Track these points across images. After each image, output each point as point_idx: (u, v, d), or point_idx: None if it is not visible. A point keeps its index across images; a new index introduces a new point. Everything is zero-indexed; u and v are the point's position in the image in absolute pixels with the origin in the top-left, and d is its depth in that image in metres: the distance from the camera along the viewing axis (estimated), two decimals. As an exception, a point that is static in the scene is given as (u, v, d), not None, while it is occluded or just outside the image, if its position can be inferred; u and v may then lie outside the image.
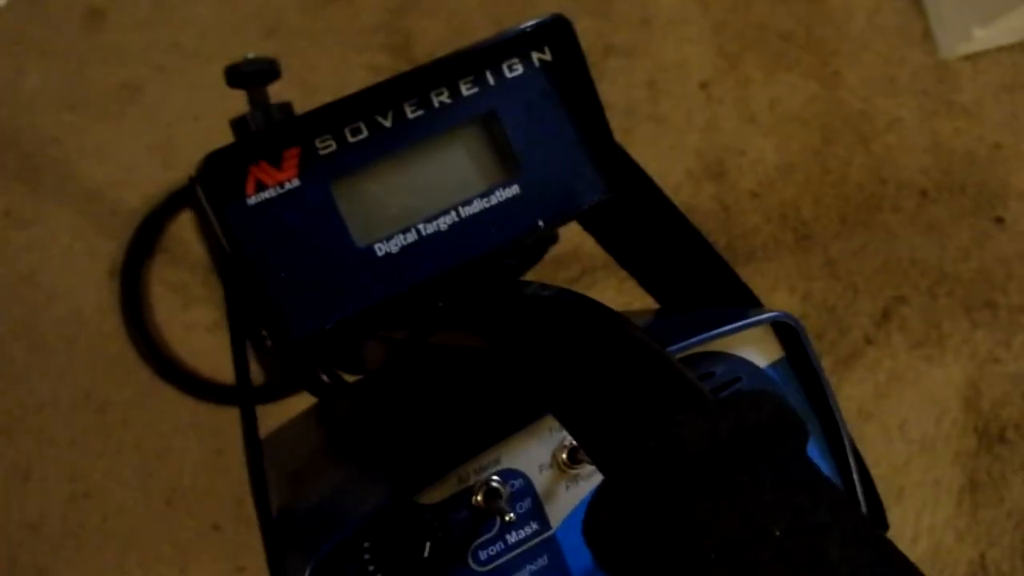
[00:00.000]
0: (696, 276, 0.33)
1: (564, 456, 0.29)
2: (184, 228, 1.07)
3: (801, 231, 1.15)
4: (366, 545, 0.27)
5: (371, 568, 0.27)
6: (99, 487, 0.97)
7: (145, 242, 1.05)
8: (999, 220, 1.16)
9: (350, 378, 0.45)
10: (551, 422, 0.29)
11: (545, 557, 0.29)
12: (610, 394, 0.22)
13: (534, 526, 0.29)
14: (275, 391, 1.02)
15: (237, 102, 1.06)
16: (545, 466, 0.30)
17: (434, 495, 0.28)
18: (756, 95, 1.16)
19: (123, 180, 1.06)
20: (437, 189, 0.30)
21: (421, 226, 0.29)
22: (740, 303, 0.33)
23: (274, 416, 1.07)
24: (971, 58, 1.16)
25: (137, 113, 1.06)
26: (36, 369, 0.99)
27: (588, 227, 0.35)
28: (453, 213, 0.29)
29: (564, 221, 0.31)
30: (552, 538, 0.30)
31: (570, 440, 0.29)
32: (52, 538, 0.95)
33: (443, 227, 0.29)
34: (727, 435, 0.19)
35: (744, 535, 0.18)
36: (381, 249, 0.29)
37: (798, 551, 0.18)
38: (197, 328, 1.04)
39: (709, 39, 1.16)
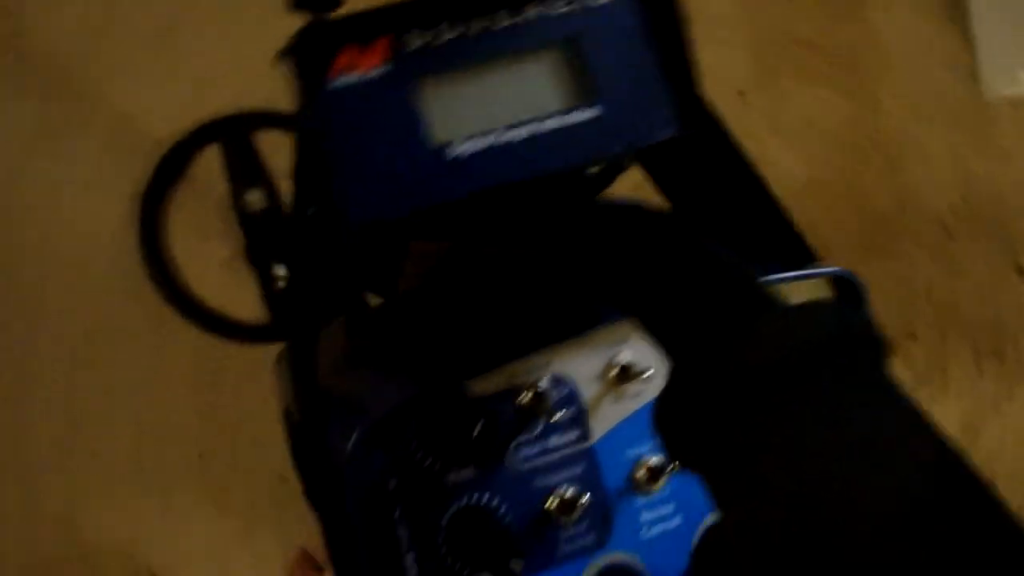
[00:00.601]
0: (756, 227, 0.33)
1: (615, 373, 0.30)
2: (210, 162, 1.07)
3: (820, 250, 1.16)
4: (412, 423, 0.27)
5: (414, 445, 0.27)
6: (94, 408, 0.97)
7: (170, 171, 1.04)
8: (1021, 271, 1.16)
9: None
10: (606, 336, 0.30)
11: (581, 467, 0.30)
12: (694, 291, 0.22)
13: (574, 435, 0.30)
14: (278, 332, 1.02)
15: (277, 43, 1.06)
16: (594, 379, 0.30)
17: (483, 387, 0.29)
18: (791, 109, 1.16)
19: (154, 109, 1.06)
20: (516, 101, 0.30)
21: (496, 134, 0.29)
22: (797, 259, 0.33)
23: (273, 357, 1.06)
24: (1014, 102, 1.16)
25: (176, 43, 1.06)
26: (49, 288, 0.99)
27: (647, 165, 0.35)
28: (529, 126, 0.29)
29: (635, 151, 0.31)
30: (590, 450, 0.30)
31: (623, 356, 0.30)
32: (43, 453, 0.95)
33: (516, 139, 0.29)
34: (815, 336, 0.20)
35: (826, 432, 0.19)
36: (453, 150, 0.29)
37: (881, 451, 0.18)
38: (211, 262, 1.04)
39: (752, 47, 1.16)
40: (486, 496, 0.29)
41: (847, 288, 0.32)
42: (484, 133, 0.29)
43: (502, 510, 0.29)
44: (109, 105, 1.04)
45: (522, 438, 0.29)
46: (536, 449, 0.29)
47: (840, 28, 1.16)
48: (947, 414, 1.13)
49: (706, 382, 0.20)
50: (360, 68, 0.28)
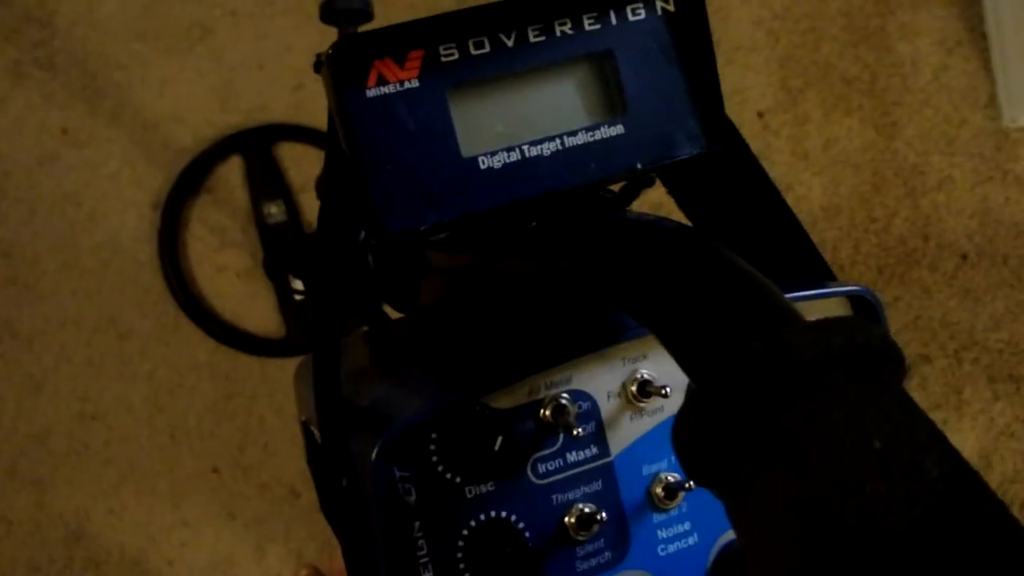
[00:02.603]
0: (774, 246, 0.33)
1: (634, 388, 0.30)
2: (232, 174, 1.08)
3: (836, 274, 1.15)
4: (433, 436, 0.27)
5: (435, 459, 0.28)
6: (108, 411, 0.98)
7: (192, 180, 1.05)
8: (1037, 296, 1.16)
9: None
10: (625, 352, 0.30)
11: (600, 482, 0.30)
12: (717, 304, 0.22)
13: (594, 450, 0.30)
14: (295, 346, 1.03)
15: (301, 57, 1.07)
16: (613, 394, 0.30)
17: (504, 401, 0.29)
18: (812, 133, 1.16)
19: (180, 117, 1.07)
20: (546, 115, 0.30)
21: (525, 147, 0.30)
22: (815, 277, 0.33)
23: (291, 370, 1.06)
24: (1033, 130, 1.16)
25: (204, 53, 1.07)
26: (65, 286, 1.00)
27: (669, 182, 0.35)
28: (557, 141, 0.30)
29: (661, 167, 0.31)
30: (609, 465, 0.30)
31: (642, 372, 0.30)
32: (55, 454, 0.96)
33: (546, 152, 0.30)
34: (839, 348, 0.20)
35: (845, 441, 0.19)
36: (484, 163, 0.29)
37: (897, 462, 0.18)
38: (228, 272, 1.05)
39: (774, 70, 1.16)
40: (505, 511, 0.29)
41: (864, 307, 0.32)
42: (513, 147, 0.30)
43: (521, 525, 0.29)
44: (134, 113, 1.05)
45: (541, 453, 0.29)
46: (555, 464, 0.30)
47: (864, 56, 1.17)
48: (962, 438, 1.12)
49: (723, 395, 0.20)
50: (395, 79, 0.28)
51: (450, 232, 0.33)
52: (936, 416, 1.13)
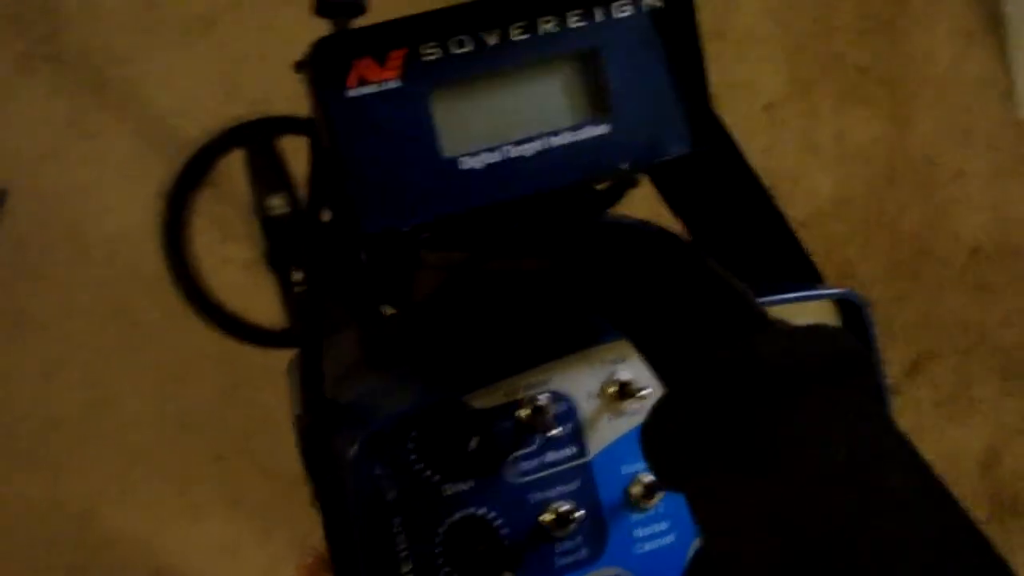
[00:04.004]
0: (763, 247, 0.33)
1: (614, 390, 0.30)
2: (235, 166, 1.08)
3: (845, 269, 1.14)
4: (412, 434, 0.28)
5: (413, 457, 0.28)
6: (118, 399, 0.99)
7: (195, 172, 1.06)
8: (1050, 291, 1.14)
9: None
10: (605, 354, 0.30)
11: (577, 482, 0.30)
12: (689, 310, 0.22)
13: (572, 450, 0.30)
14: (296, 337, 1.03)
15: (305, 48, 1.07)
16: (593, 395, 0.30)
17: (482, 401, 0.29)
18: (822, 125, 1.15)
19: (184, 109, 1.07)
20: (529, 115, 0.30)
21: (508, 148, 0.30)
22: (803, 280, 0.33)
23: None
24: (1048, 122, 1.14)
25: (208, 45, 1.07)
26: (76, 277, 1.01)
27: (658, 181, 0.35)
28: (540, 141, 0.30)
29: (646, 168, 0.31)
30: (587, 465, 0.30)
31: (622, 374, 0.30)
32: (68, 438, 0.97)
33: (528, 153, 0.30)
34: (806, 357, 0.20)
35: (809, 452, 0.19)
36: (466, 163, 0.29)
37: (861, 474, 0.18)
38: (232, 263, 1.05)
39: (784, 61, 1.15)
40: (483, 508, 0.29)
41: (851, 309, 0.32)
42: (495, 147, 0.29)
43: (498, 523, 0.29)
44: (140, 105, 1.05)
45: (520, 452, 0.30)
46: (533, 463, 0.30)
47: (877, 47, 1.15)
48: (972, 434, 1.11)
49: (691, 402, 0.20)
50: (375, 79, 0.28)
51: (432, 233, 0.33)
52: (945, 412, 1.12)
